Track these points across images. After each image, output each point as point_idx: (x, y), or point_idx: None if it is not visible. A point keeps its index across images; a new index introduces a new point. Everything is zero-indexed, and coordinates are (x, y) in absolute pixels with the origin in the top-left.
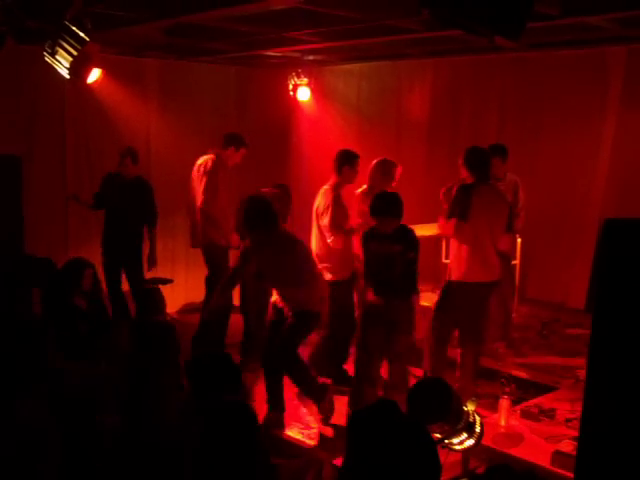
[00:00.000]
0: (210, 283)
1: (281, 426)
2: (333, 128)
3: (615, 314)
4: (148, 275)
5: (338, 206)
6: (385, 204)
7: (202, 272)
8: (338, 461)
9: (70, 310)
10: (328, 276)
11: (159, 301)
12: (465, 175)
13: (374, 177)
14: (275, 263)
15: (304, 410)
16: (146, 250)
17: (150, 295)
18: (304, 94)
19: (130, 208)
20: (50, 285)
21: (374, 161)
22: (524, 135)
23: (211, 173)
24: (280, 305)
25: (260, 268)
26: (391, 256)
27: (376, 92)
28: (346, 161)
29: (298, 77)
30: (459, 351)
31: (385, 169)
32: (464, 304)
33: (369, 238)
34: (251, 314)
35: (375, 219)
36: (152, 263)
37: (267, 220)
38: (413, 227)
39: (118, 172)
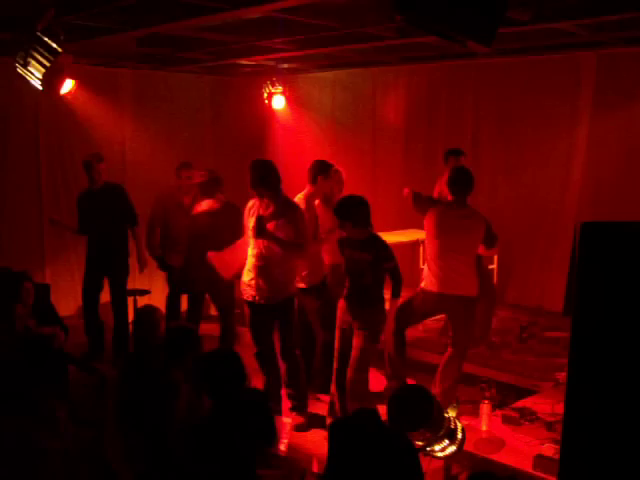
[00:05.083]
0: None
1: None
2: (309, 135)
3: (594, 316)
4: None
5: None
6: (345, 209)
7: None
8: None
9: None
10: (300, 284)
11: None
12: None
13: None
14: None
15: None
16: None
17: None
18: (279, 102)
19: (106, 214)
20: None
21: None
22: (499, 139)
23: None
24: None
25: None
26: (361, 264)
27: (351, 99)
28: (321, 171)
29: (273, 85)
30: (444, 357)
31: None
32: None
33: (344, 244)
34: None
35: (338, 224)
36: (142, 263)
37: None
38: (391, 233)
39: (92, 180)
